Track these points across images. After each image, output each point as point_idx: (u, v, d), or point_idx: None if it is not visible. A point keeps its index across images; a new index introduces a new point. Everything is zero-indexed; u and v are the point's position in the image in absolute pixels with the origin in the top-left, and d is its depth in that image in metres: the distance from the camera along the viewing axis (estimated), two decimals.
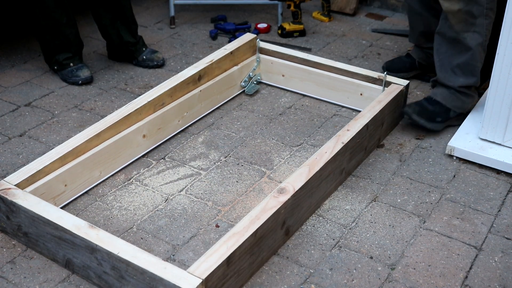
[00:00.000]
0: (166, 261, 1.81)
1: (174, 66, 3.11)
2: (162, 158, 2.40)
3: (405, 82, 2.55)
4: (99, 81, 2.96)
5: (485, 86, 2.79)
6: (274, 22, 3.61)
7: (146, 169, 2.34)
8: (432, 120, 2.50)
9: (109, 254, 1.70)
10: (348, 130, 2.24)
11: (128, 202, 2.16)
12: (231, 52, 2.74)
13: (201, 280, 1.60)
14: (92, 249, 1.74)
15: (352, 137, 2.21)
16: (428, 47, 2.83)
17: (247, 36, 2.86)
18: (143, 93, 2.43)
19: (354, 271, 1.89)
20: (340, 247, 1.98)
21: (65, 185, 2.11)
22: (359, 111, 2.62)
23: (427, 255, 1.95)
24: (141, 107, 2.34)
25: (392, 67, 2.94)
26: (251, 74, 2.84)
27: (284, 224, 1.94)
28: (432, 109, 2.51)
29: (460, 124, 2.53)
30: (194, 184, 2.25)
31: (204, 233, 2.03)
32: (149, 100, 2.37)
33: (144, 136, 2.37)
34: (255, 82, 2.86)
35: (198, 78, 2.58)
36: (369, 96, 2.60)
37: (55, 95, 2.83)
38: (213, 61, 2.66)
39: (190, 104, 2.56)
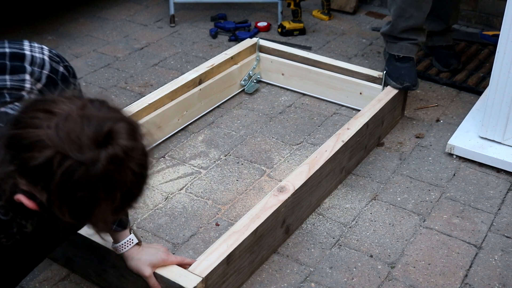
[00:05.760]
0: None
1: (174, 64, 3.11)
2: (162, 157, 2.40)
3: None
4: (99, 79, 2.96)
5: (485, 85, 2.79)
6: (274, 20, 3.61)
7: None
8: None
9: (109, 253, 1.70)
10: (348, 128, 2.24)
11: None
12: (231, 57, 2.73)
13: (201, 279, 1.60)
14: (92, 247, 1.73)
15: (352, 136, 2.21)
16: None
17: (249, 42, 2.85)
18: (143, 92, 2.44)
19: (354, 269, 1.89)
20: (340, 245, 1.98)
21: None
22: (359, 110, 2.62)
23: (427, 253, 1.95)
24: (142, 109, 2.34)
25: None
26: (251, 72, 2.84)
27: (284, 222, 1.94)
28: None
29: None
30: (194, 182, 2.25)
31: (204, 231, 2.03)
32: (149, 103, 2.37)
33: None
34: (255, 81, 2.86)
35: (198, 82, 2.58)
36: (368, 95, 2.60)
37: None
38: (214, 65, 2.65)
39: (190, 103, 2.55)
